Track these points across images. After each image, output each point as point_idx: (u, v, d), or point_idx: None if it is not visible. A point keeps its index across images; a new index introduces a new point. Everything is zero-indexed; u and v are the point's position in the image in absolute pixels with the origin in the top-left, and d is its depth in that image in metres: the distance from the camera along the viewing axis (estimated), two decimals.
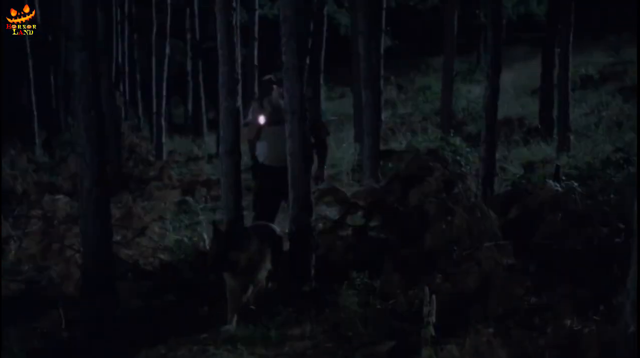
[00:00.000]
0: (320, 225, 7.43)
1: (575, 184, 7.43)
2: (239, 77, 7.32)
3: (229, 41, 7.15)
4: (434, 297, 4.30)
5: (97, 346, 5.49)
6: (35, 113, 20.08)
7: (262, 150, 7.21)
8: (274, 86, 7.18)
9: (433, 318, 4.28)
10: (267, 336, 5.52)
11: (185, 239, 8.03)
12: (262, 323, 5.68)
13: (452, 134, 13.75)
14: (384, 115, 11.93)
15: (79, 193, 5.36)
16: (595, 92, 18.11)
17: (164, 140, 16.17)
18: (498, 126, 15.79)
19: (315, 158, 7.00)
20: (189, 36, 21.67)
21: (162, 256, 7.66)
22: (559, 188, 7.30)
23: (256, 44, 14.14)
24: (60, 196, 9.30)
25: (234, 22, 7.23)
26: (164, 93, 16.29)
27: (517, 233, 6.80)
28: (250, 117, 7.31)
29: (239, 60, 7.57)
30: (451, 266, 6.18)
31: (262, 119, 7.04)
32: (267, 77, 7.41)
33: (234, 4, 7.12)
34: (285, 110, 6.18)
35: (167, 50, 16.11)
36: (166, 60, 15.78)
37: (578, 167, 9.72)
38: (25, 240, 7.33)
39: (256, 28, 14.33)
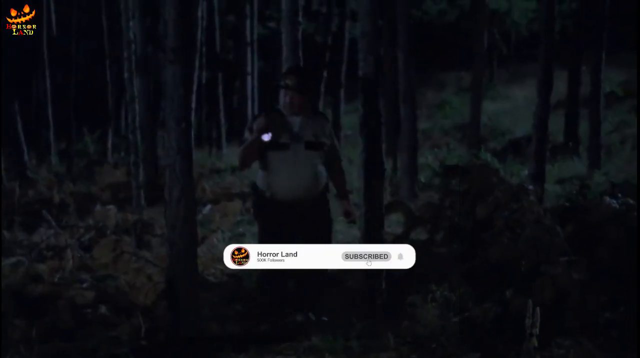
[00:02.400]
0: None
1: (632, 201, 7.49)
2: None
3: (295, 56, 7.28)
4: (537, 309, 4.36)
5: (177, 355, 5.54)
6: (51, 123, 20.30)
7: (266, 179, 5.74)
8: (287, 92, 5.68)
9: (537, 331, 4.34)
10: (348, 347, 5.58)
11: None
12: (339, 334, 5.72)
13: (482, 150, 13.84)
14: None
15: (166, 204, 5.40)
16: (617, 110, 18.23)
17: None
18: (521, 143, 16.08)
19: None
20: (204, 49, 21.75)
21: (220, 267, 7.72)
22: (617, 205, 7.36)
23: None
24: (111, 206, 9.35)
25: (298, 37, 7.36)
26: (193, 106, 16.29)
27: (576, 249, 6.88)
28: (247, 133, 5.75)
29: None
30: (521, 280, 6.26)
31: (266, 137, 5.51)
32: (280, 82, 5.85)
33: (299, 19, 7.25)
34: (360, 122, 6.18)
35: (197, 63, 16.14)
36: (196, 73, 15.80)
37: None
38: (96, 249, 7.37)
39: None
